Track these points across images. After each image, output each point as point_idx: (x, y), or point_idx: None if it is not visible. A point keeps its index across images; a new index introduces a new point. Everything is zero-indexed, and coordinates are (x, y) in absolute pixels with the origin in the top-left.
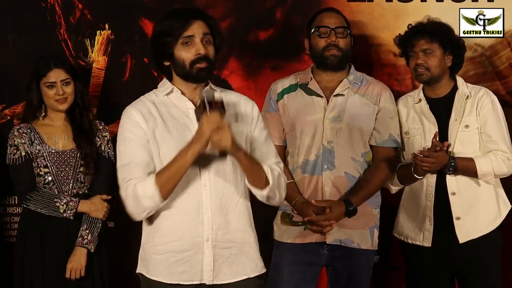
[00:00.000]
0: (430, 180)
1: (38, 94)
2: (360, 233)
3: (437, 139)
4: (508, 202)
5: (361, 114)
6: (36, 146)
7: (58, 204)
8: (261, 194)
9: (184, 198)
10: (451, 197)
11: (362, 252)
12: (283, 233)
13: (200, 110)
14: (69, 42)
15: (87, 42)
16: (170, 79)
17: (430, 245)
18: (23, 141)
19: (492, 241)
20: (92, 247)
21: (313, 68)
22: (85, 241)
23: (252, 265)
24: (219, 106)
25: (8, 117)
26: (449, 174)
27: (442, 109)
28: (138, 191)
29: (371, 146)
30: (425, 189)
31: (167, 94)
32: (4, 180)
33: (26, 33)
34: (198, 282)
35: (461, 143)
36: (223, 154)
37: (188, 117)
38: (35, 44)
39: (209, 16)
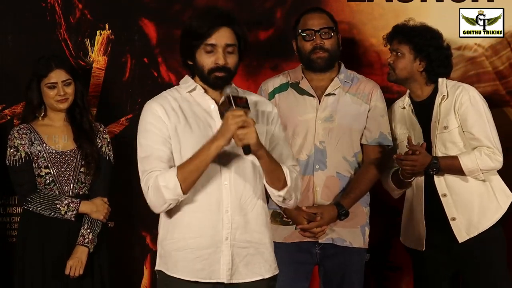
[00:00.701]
0: (418, 182)
1: (38, 94)
2: (351, 231)
3: (412, 143)
4: (510, 193)
5: (353, 113)
6: (36, 147)
7: (59, 205)
8: (278, 195)
9: (205, 196)
10: (442, 199)
11: (354, 251)
12: (274, 232)
13: (224, 106)
14: (69, 42)
15: (87, 42)
16: (193, 76)
17: (423, 249)
18: (23, 142)
19: (493, 236)
20: (92, 246)
21: (303, 67)
22: (86, 240)
23: (266, 265)
24: (244, 103)
25: (8, 117)
26: (434, 174)
27: (424, 113)
28: (159, 183)
29: (362, 145)
30: (415, 192)
31: (190, 92)
32: (4, 180)
33: (26, 33)
34: (215, 281)
35: (443, 145)
36: (246, 152)
37: (210, 115)
38: (35, 44)
39: (236, 22)
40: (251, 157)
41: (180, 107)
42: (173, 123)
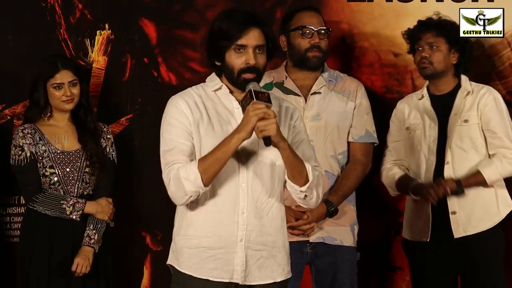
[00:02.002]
0: (428, 177)
1: (44, 94)
2: (341, 230)
3: (442, 184)
4: (511, 203)
5: (339, 112)
6: (41, 147)
7: (64, 206)
8: (299, 191)
9: (221, 196)
10: None
11: (344, 249)
12: None
13: (246, 100)
14: (69, 42)
15: (87, 42)
16: (219, 76)
17: (428, 239)
18: (27, 141)
19: (491, 239)
20: (97, 247)
21: (286, 66)
22: (92, 241)
23: (279, 269)
24: (265, 97)
25: (8, 117)
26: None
27: (444, 106)
28: (180, 174)
29: (348, 143)
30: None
31: (215, 91)
32: (4, 181)
33: (26, 33)
34: (227, 280)
35: (460, 138)
36: (267, 144)
37: (233, 116)
38: (35, 44)
39: (265, 23)
40: (269, 160)
41: (204, 105)
42: (195, 119)
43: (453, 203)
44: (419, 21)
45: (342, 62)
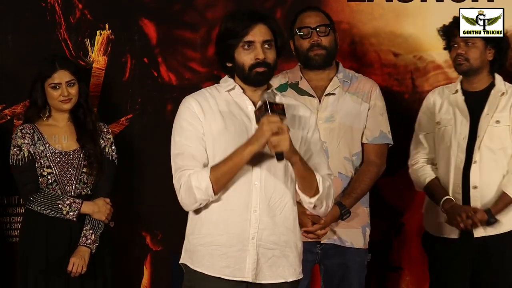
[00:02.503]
0: (456, 174)
1: (42, 94)
2: (352, 232)
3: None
4: None
5: (353, 113)
6: (39, 147)
7: (61, 205)
8: (308, 201)
9: (234, 194)
10: (472, 191)
11: (354, 251)
12: None
13: (260, 112)
14: (69, 42)
15: (87, 42)
16: (233, 77)
17: (457, 236)
18: (26, 141)
19: (511, 242)
20: (94, 247)
21: (301, 67)
22: (89, 241)
23: (291, 269)
24: (280, 110)
25: (8, 117)
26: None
27: (476, 103)
28: (192, 183)
29: (362, 144)
30: (452, 183)
31: (229, 91)
32: (5, 180)
33: (26, 33)
34: (239, 279)
35: (490, 138)
36: (279, 158)
37: (246, 116)
38: (35, 44)
39: (271, 19)
40: (284, 160)
41: (218, 106)
42: (208, 120)
43: (476, 203)
44: (454, 17)
45: (342, 62)
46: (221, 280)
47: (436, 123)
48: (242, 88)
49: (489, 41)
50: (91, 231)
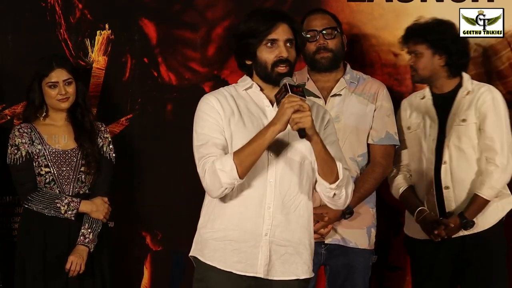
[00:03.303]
0: (428, 177)
1: (40, 94)
2: (357, 232)
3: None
4: (511, 199)
5: (359, 114)
6: (37, 146)
7: (59, 204)
8: (329, 188)
9: (249, 190)
10: (444, 191)
11: (359, 252)
12: None
13: (280, 94)
14: (69, 42)
15: (87, 42)
16: (250, 76)
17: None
18: (23, 140)
19: (491, 238)
20: (92, 246)
21: (308, 68)
22: (87, 240)
23: (304, 267)
24: (300, 92)
25: (8, 117)
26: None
27: (444, 105)
28: (216, 166)
29: (368, 145)
30: (424, 185)
31: (246, 89)
32: (4, 180)
33: (26, 33)
34: (251, 274)
35: (458, 137)
36: (302, 135)
37: (264, 114)
38: (35, 44)
39: (293, 19)
40: (299, 157)
41: (236, 103)
42: (227, 116)
43: (450, 203)
44: (405, 29)
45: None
46: (232, 274)
47: (406, 128)
48: (260, 86)
49: (436, 48)
50: (89, 230)
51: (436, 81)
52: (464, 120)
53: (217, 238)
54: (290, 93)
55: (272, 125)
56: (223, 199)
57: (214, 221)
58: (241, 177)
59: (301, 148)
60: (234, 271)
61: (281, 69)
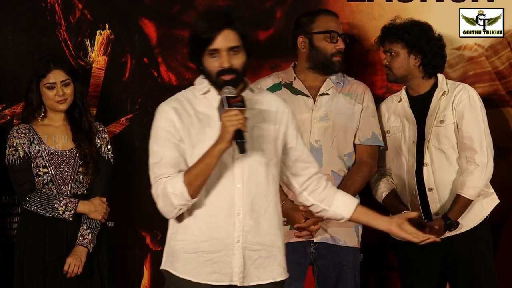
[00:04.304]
0: (410, 179)
1: (38, 95)
2: (346, 230)
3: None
4: (495, 197)
5: (347, 113)
6: (35, 146)
7: (57, 205)
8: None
9: (217, 199)
10: (428, 193)
11: (348, 250)
12: None
13: (220, 110)
14: (69, 42)
15: (87, 42)
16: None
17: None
18: (21, 141)
19: (477, 237)
20: (91, 247)
21: (295, 67)
22: (86, 240)
23: (279, 269)
24: (238, 102)
25: (8, 117)
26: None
27: (421, 107)
28: (167, 189)
29: (354, 145)
30: (408, 187)
31: (204, 93)
32: (4, 181)
33: (26, 33)
34: (227, 283)
35: (437, 139)
36: (242, 151)
37: None
38: (35, 44)
39: (237, 22)
40: (264, 160)
41: (194, 109)
42: (186, 125)
43: (434, 204)
44: (381, 28)
45: (343, 62)
46: (207, 285)
47: (386, 132)
48: (217, 90)
49: (412, 48)
50: (88, 231)
51: (411, 81)
52: (442, 121)
53: (189, 250)
54: (226, 106)
55: (218, 144)
56: (191, 209)
57: (184, 232)
58: (192, 197)
59: (267, 149)
60: (209, 282)
61: (226, 77)
